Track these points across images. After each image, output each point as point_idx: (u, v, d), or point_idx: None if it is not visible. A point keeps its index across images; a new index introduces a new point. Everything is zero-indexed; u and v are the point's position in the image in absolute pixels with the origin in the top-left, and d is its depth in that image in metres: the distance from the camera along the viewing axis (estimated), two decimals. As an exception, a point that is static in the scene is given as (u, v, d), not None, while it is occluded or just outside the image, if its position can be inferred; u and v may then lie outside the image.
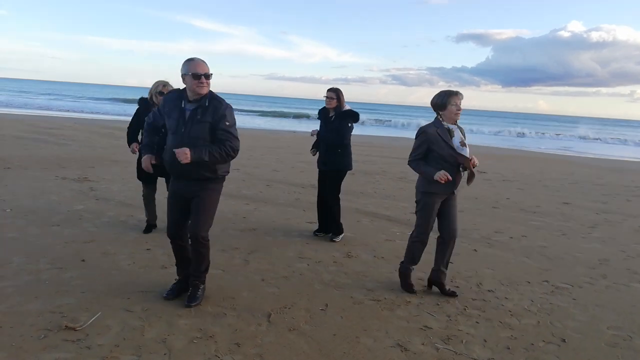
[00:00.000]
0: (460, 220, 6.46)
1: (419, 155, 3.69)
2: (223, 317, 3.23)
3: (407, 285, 3.89)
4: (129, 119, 5.07)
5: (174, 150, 3.15)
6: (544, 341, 3.16)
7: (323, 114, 5.21)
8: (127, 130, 5.03)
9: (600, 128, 58.15)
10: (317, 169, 5.28)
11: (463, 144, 3.62)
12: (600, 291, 4.13)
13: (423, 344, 3.04)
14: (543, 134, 37.44)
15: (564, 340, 3.19)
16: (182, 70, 3.23)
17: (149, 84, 5.06)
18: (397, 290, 3.88)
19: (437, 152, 3.61)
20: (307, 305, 3.51)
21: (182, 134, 3.20)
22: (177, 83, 5.15)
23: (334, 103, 5.05)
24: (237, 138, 3.28)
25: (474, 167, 3.62)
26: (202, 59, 3.23)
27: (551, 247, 5.41)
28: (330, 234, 5.27)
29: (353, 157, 5.23)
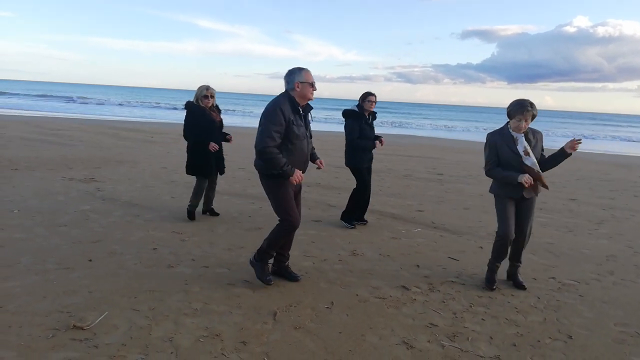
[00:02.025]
0: (466, 217, 6.47)
1: (494, 163, 3.85)
2: (229, 315, 3.25)
3: (489, 281, 4.02)
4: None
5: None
6: (550, 338, 3.15)
7: (362, 115, 5.47)
8: (183, 135, 5.41)
9: (608, 124, 57.64)
10: (359, 167, 5.60)
11: (527, 153, 3.72)
12: (608, 288, 4.11)
13: (429, 342, 3.04)
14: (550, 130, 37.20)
15: (570, 337, 3.17)
16: (294, 78, 3.51)
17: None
18: (403, 288, 3.89)
19: (502, 157, 3.77)
20: (312, 303, 3.52)
21: (307, 137, 3.66)
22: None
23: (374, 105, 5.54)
24: None
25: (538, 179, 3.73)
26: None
27: (558, 244, 5.38)
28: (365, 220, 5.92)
29: (359, 154, 5.60)
